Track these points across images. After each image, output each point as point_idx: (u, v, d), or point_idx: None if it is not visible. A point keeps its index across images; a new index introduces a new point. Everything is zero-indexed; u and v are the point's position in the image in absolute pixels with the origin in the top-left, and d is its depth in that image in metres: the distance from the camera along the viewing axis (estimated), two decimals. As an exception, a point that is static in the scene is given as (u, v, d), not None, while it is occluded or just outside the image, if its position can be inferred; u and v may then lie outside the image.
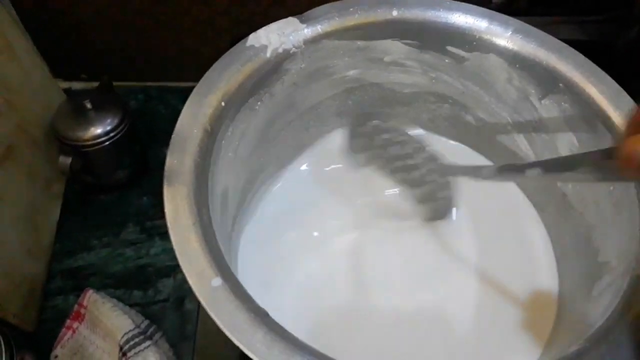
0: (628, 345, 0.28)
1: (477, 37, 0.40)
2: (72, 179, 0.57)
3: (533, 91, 0.40)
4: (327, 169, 0.49)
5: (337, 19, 0.40)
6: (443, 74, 0.43)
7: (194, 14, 0.58)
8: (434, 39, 0.41)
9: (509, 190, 0.47)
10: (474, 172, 0.39)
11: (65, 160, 0.52)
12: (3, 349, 0.40)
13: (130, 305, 0.51)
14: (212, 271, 0.29)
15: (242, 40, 0.38)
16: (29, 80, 0.52)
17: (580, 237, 0.39)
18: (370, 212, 0.46)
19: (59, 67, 0.61)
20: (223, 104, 0.36)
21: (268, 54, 0.38)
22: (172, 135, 0.34)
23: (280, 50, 0.39)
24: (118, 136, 0.53)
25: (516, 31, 0.39)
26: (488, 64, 0.41)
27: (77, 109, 0.53)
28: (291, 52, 0.39)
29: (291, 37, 0.39)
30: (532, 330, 0.40)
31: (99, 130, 0.52)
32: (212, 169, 0.35)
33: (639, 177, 0.23)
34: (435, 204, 0.44)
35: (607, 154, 0.25)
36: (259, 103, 0.40)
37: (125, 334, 0.46)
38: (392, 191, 0.47)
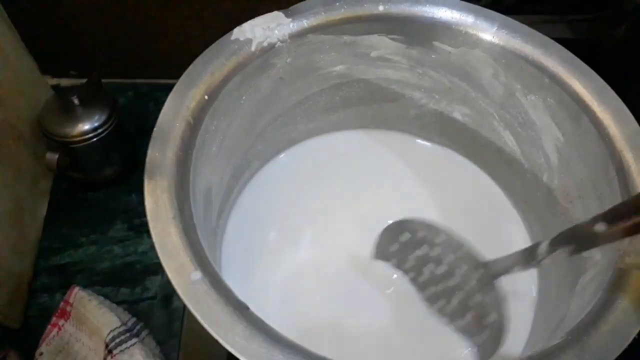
0: (609, 340, 0.28)
1: (463, 32, 0.40)
2: (59, 175, 0.57)
3: (519, 86, 0.40)
4: (314, 167, 0.49)
5: (323, 13, 0.40)
6: (430, 70, 0.43)
7: (183, 11, 0.58)
8: (420, 34, 0.41)
9: (489, 189, 0.48)
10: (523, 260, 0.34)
11: (53, 157, 0.52)
12: (-13, 346, 0.40)
13: (118, 303, 0.50)
14: (192, 265, 0.29)
15: (227, 34, 0.38)
16: (17, 76, 0.52)
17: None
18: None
19: (47, 64, 0.61)
20: (206, 97, 0.36)
21: (253, 48, 0.38)
22: (154, 128, 0.34)
23: (265, 44, 0.39)
24: (106, 133, 0.53)
25: (501, 26, 0.39)
26: (474, 59, 0.41)
27: (64, 105, 0.53)
28: (276, 46, 0.39)
29: (276, 31, 0.39)
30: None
31: (86, 127, 0.52)
32: (195, 163, 0.34)
33: None
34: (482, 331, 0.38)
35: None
36: (244, 97, 0.40)
37: (111, 331, 0.46)
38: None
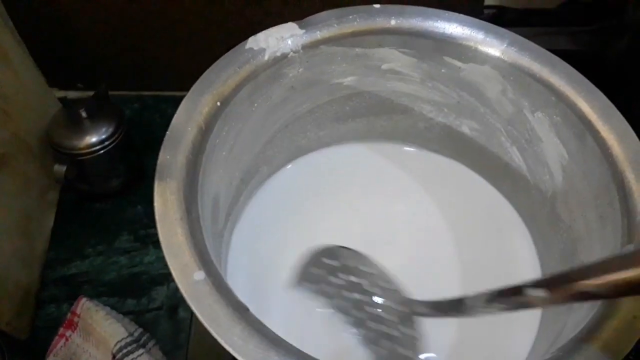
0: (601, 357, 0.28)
1: (473, 48, 0.40)
2: (66, 187, 0.57)
3: (526, 104, 0.40)
4: (322, 177, 0.50)
5: (335, 25, 0.40)
6: (439, 84, 0.44)
7: (189, 24, 0.59)
8: (431, 49, 0.41)
9: (497, 202, 0.48)
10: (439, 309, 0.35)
11: (60, 169, 0.52)
12: (-4, 357, 0.40)
13: (124, 314, 0.50)
14: (196, 265, 0.30)
15: (242, 43, 0.39)
16: (25, 89, 0.52)
17: (567, 249, 0.39)
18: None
19: (54, 76, 0.62)
20: (219, 103, 0.37)
21: (266, 57, 0.39)
22: (167, 132, 0.35)
23: (278, 54, 0.39)
24: (113, 145, 0.54)
25: (511, 44, 0.40)
26: (483, 75, 0.41)
27: (72, 117, 0.53)
28: (289, 56, 0.40)
29: (289, 42, 0.39)
30: (515, 341, 0.40)
31: (94, 139, 0.53)
32: (205, 167, 0.35)
33: None
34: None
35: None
36: (255, 105, 0.40)
37: (118, 342, 0.46)
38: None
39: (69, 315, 0.49)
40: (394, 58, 0.42)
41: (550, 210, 0.42)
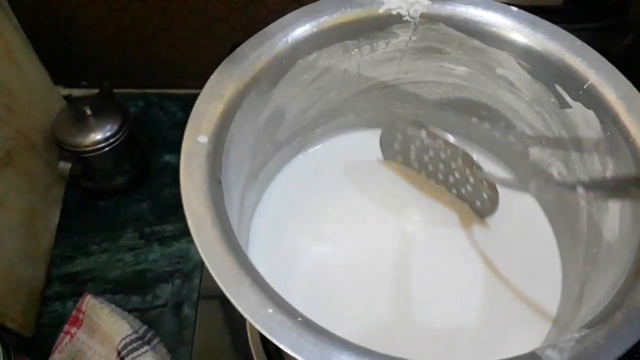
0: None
1: (587, 88, 0.37)
2: (71, 184, 0.58)
3: (611, 166, 0.37)
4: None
5: (462, 9, 0.39)
6: (545, 112, 0.41)
7: (192, 22, 0.59)
8: (546, 72, 0.39)
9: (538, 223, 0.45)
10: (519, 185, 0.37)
11: (65, 166, 0.52)
12: (1, 354, 0.40)
13: (129, 311, 0.51)
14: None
15: None
16: (30, 86, 0.53)
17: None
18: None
19: (59, 74, 0.62)
20: (315, 29, 0.37)
21: (380, 10, 0.39)
22: (236, 49, 0.35)
23: (394, 12, 0.39)
24: (117, 142, 0.54)
25: (624, 97, 0.36)
26: (585, 120, 0.38)
27: (77, 115, 0.53)
28: (404, 19, 0.39)
29: (411, 6, 0.39)
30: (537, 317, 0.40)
31: (98, 137, 0.53)
32: (279, 87, 0.36)
33: None
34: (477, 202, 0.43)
35: None
36: (354, 51, 0.40)
37: (123, 339, 0.47)
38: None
39: (74, 312, 0.49)
40: (510, 67, 0.40)
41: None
